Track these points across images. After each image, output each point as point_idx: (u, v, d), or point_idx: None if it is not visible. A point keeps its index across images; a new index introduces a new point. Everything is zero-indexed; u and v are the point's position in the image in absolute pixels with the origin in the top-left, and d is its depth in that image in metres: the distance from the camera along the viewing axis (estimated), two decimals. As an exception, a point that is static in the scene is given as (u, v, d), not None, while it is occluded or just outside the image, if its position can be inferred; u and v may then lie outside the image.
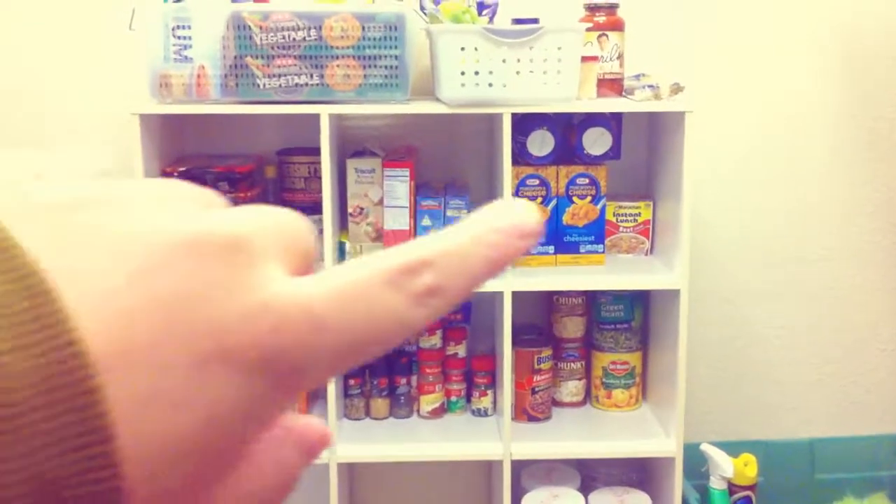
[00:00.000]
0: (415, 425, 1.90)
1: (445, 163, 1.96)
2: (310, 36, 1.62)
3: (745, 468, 1.86)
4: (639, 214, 1.89)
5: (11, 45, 1.90)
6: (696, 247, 1.92)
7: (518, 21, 1.71)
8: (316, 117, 1.63)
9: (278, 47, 1.62)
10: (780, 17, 1.97)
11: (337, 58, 1.63)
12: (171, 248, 0.20)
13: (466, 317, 1.96)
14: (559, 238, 1.83)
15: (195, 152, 1.91)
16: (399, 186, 1.76)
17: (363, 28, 1.62)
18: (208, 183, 1.72)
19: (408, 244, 0.23)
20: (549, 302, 1.96)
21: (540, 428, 1.87)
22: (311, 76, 1.63)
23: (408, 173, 1.76)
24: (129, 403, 0.18)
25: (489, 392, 1.91)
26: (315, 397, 1.88)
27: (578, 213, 1.82)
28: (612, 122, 1.80)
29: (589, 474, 1.94)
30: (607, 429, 1.88)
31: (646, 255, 1.90)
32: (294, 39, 1.62)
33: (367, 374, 1.90)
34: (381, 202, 1.78)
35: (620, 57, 1.79)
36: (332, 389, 1.74)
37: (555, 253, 1.83)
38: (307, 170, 1.84)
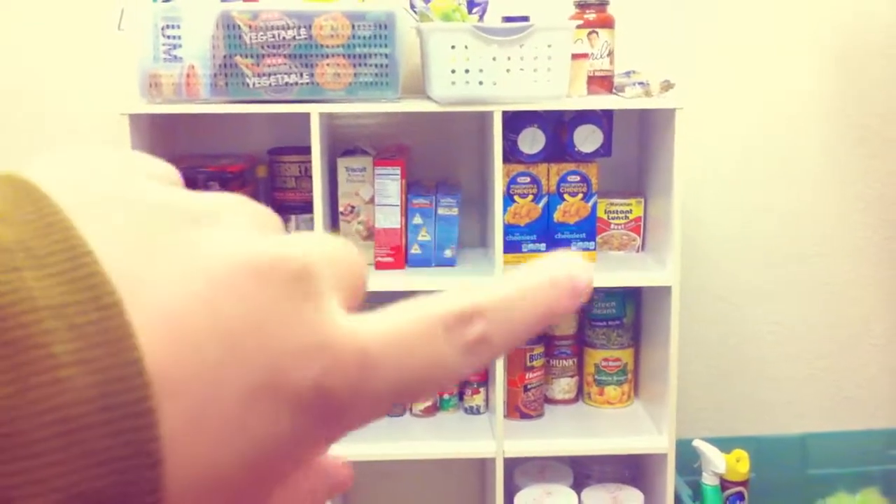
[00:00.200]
0: (407, 423, 1.90)
1: (436, 161, 1.96)
2: (300, 35, 1.62)
3: (737, 464, 1.86)
4: (630, 211, 1.90)
5: (11, 45, 1.90)
6: (689, 243, 1.92)
7: (508, 19, 1.71)
8: (306, 116, 1.63)
9: (268, 46, 1.62)
10: (772, 15, 1.97)
11: (327, 56, 1.63)
12: (241, 271, 0.19)
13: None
14: (550, 236, 1.83)
15: (186, 152, 1.91)
16: (390, 185, 1.76)
17: (353, 27, 1.62)
18: (199, 183, 1.72)
19: (461, 288, 0.22)
20: (541, 299, 1.96)
21: (532, 425, 1.88)
22: (302, 75, 1.63)
23: (399, 172, 1.76)
24: (179, 428, 0.18)
25: (481, 389, 1.91)
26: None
27: (570, 210, 1.82)
28: (603, 119, 1.80)
29: (582, 471, 1.94)
30: (600, 426, 1.88)
31: (637, 252, 1.91)
32: (284, 38, 1.62)
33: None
34: (372, 201, 1.78)
35: (611, 54, 1.79)
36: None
37: (546, 250, 1.83)
38: (298, 169, 1.83)
